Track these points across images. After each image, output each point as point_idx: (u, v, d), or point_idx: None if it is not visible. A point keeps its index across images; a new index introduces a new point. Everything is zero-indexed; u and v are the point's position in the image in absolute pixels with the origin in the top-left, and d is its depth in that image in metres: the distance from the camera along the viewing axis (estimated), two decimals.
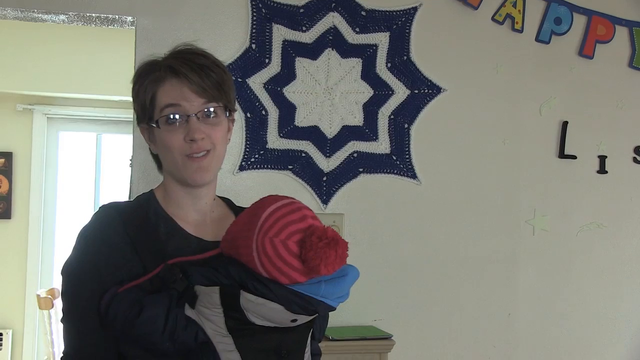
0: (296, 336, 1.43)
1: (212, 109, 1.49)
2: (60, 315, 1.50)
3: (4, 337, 5.41)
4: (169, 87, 1.48)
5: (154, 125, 1.49)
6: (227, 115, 1.55)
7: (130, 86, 1.57)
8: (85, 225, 1.50)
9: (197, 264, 1.40)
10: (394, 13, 2.95)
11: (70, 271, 1.46)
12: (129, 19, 2.76)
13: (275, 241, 1.31)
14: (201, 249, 1.46)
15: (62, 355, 1.48)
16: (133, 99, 1.57)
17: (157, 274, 1.39)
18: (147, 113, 1.51)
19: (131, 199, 1.60)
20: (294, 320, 1.36)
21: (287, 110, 2.84)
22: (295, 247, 1.31)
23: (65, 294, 1.47)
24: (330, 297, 1.36)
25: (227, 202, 1.68)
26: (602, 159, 3.18)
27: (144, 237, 1.47)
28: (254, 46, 2.82)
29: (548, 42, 3.11)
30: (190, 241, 1.51)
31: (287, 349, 1.40)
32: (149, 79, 1.50)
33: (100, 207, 1.53)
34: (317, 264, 1.29)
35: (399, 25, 2.95)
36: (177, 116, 1.47)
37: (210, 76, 1.48)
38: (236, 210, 1.64)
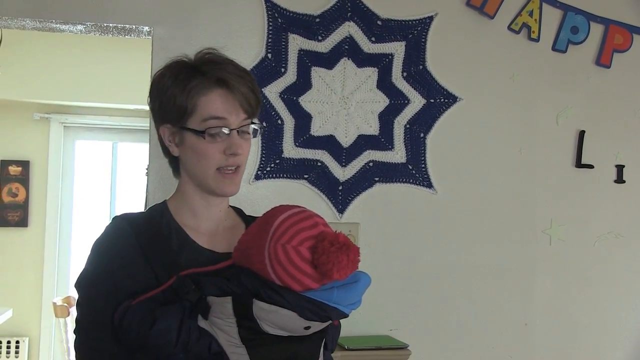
0: (309, 346, 1.43)
1: (251, 125, 1.53)
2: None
3: (20, 345, 5.44)
4: (216, 98, 1.49)
5: (198, 134, 1.49)
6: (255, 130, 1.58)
7: (149, 87, 1.57)
8: (98, 238, 1.52)
9: (209, 274, 1.41)
10: (410, 22, 2.95)
11: (84, 283, 1.48)
12: (146, 28, 2.78)
13: (287, 247, 1.32)
14: (213, 261, 1.47)
15: None
16: (159, 97, 1.54)
17: (170, 286, 1.40)
18: (182, 117, 1.50)
19: (146, 209, 1.61)
20: (307, 328, 1.36)
21: (302, 119, 2.85)
22: (308, 253, 1.32)
23: (80, 305, 1.49)
24: (342, 303, 1.36)
25: (238, 211, 1.70)
26: (620, 168, 3.15)
27: (156, 248, 1.49)
28: (269, 56, 2.82)
29: (565, 51, 3.10)
30: (202, 253, 1.52)
31: (300, 358, 1.41)
32: (191, 84, 1.49)
33: (112, 219, 1.55)
34: (329, 269, 1.29)
35: (414, 34, 2.95)
36: (224, 129, 1.48)
37: (253, 90, 1.52)
38: (247, 219, 1.65)
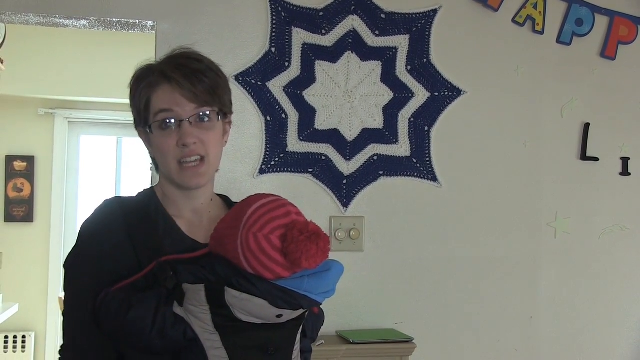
0: (284, 333, 1.45)
1: (206, 113, 1.51)
2: None
3: (27, 339, 5.45)
4: (161, 93, 1.50)
5: (149, 130, 1.52)
6: (221, 118, 1.56)
7: (128, 90, 1.60)
8: (87, 219, 1.53)
9: (188, 262, 1.42)
10: (414, 15, 2.94)
11: (70, 264, 1.51)
12: (150, 23, 2.77)
13: (258, 236, 1.33)
14: (194, 249, 1.48)
15: (60, 348, 1.50)
16: (130, 103, 1.59)
17: (150, 271, 1.42)
18: (142, 117, 1.54)
19: (136, 194, 1.62)
20: (280, 316, 1.38)
21: (307, 113, 2.85)
22: (278, 241, 1.33)
23: (66, 286, 1.51)
24: (314, 292, 1.38)
25: (225, 199, 1.70)
26: (625, 160, 3.15)
27: (142, 232, 1.50)
28: (273, 50, 2.82)
29: (569, 44, 3.09)
30: (185, 242, 1.53)
31: (274, 346, 1.42)
32: (143, 84, 1.52)
33: (103, 201, 1.56)
34: (298, 257, 1.31)
35: (418, 27, 2.94)
36: (171, 121, 1.49)
37: (203, 81, 1.50)
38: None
